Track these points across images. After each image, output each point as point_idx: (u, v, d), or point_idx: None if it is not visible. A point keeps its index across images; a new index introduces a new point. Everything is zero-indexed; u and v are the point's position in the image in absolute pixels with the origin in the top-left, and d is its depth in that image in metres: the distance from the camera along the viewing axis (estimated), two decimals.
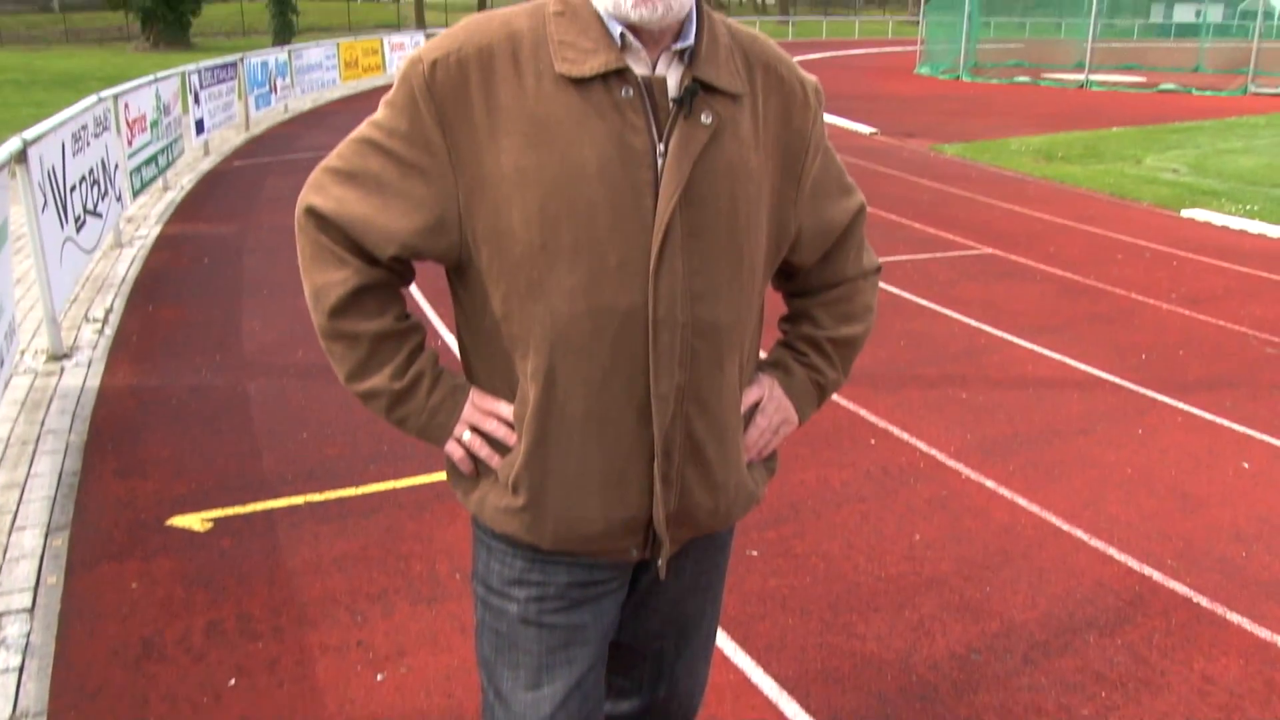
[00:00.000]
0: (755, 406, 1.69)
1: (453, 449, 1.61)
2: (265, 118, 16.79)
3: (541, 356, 1.50)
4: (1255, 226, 9.26)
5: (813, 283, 1.78)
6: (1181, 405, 5.04)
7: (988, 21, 32.21)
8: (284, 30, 37.16)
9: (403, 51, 26.00)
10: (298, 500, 4.02)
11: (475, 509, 1.64)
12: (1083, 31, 28.73)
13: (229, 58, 15.31)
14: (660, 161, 1.48)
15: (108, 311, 6.56)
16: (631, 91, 1.47)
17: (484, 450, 1.59)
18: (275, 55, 18.16)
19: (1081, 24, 30.39)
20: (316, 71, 20.46)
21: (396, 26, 45.23)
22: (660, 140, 1.48)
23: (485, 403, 1.60)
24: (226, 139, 14.55)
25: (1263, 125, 17.32)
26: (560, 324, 1.48)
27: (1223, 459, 4.46)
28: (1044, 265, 7.66)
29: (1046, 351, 5.73)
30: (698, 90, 1.49)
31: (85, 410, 4.98)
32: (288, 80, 18.34)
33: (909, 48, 36.20)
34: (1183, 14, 43.28)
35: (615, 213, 1.46)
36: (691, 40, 1.50)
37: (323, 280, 1.55)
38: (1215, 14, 37.17)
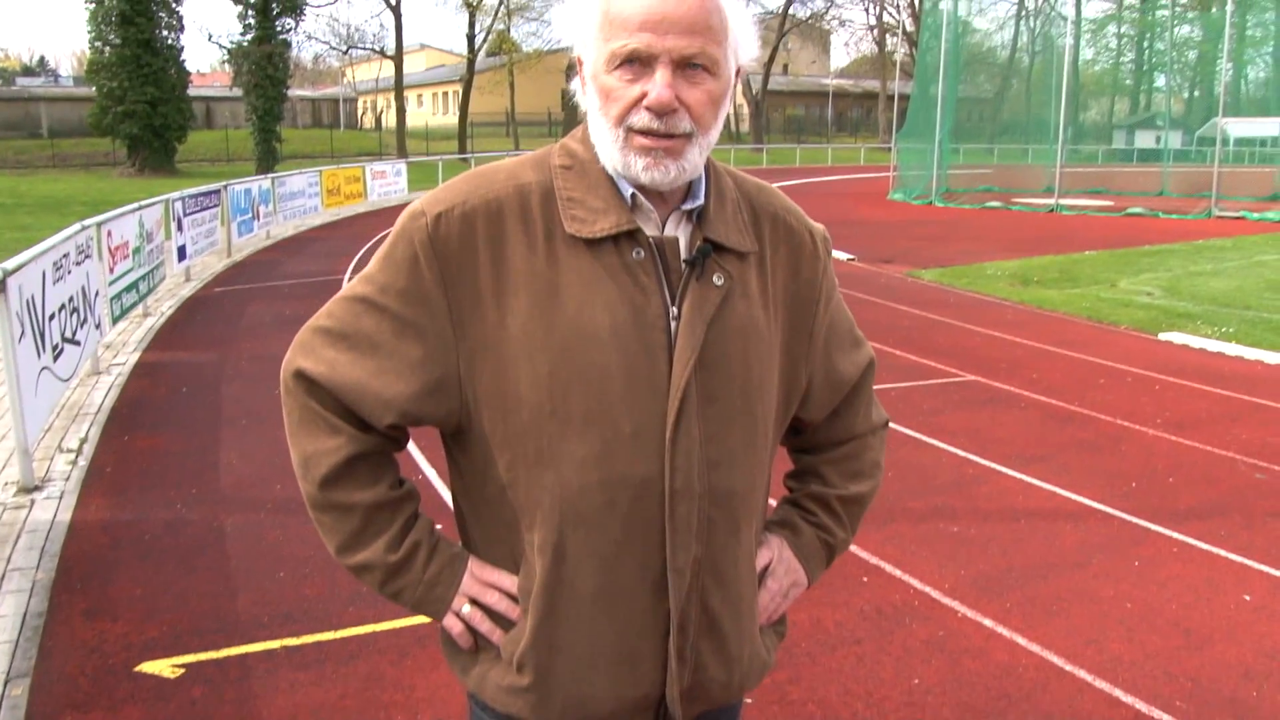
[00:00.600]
0: (765, 569, 1.62)
1: (451, 623, 1.52)
2: (247, 244, 16.90)
3: (550, 528, 1.43)
4: (1232, 349, 9.34)
5: (821, 439, 1.73)
6: (1176, 535, 4.97)
7: (957, 148, 33.09)
8: (267, 157, 37.76)
9: (384, 180, 26.41)
10: (273, 645, 3.86)
11: (475, 686, 1.54)
12: (1048, 156, 29.57)
13: (213, 185, 15.49)
14: (673, 325, 1.43)
15: (82, 441, 6.44)
16: (643, 253, 1.43)
17: (485, 625, 1.50)
18: (258, 183, 18.40)
19: (1047, 150, 31.26)
20: (299, 199, 20.72)
21: (378, 155, 46.02)
22: (673, 303, 1.44)
23: (486, 574, 1.51)
24: (208, 265, 14.60)
25: (1229, 248, 17.68)
26: (571, 495, 1.41)
27: (1223, 591, 4.38)
28: (1028, 392, 7.66)
29: (1036, 481, 5.67)
30: (710, 251, 1.46)
31: (55, 546, 4.83)
32: (270, 207, 18.54)
33: (881, 174, 37.08)
34: (1144, 140, 44.58)
35: (629, 378, 1.40)
36: (701, 199, 1.48)
37: (313, 449, 1.47)
38: (1175, 140, 38.33)
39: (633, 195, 1.44)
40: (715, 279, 1.46)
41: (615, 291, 1.41)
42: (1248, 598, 4.31)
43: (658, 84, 1.37)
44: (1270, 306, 11.58)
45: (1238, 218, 23.87)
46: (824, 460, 1.73)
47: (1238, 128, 33.72)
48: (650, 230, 1.45)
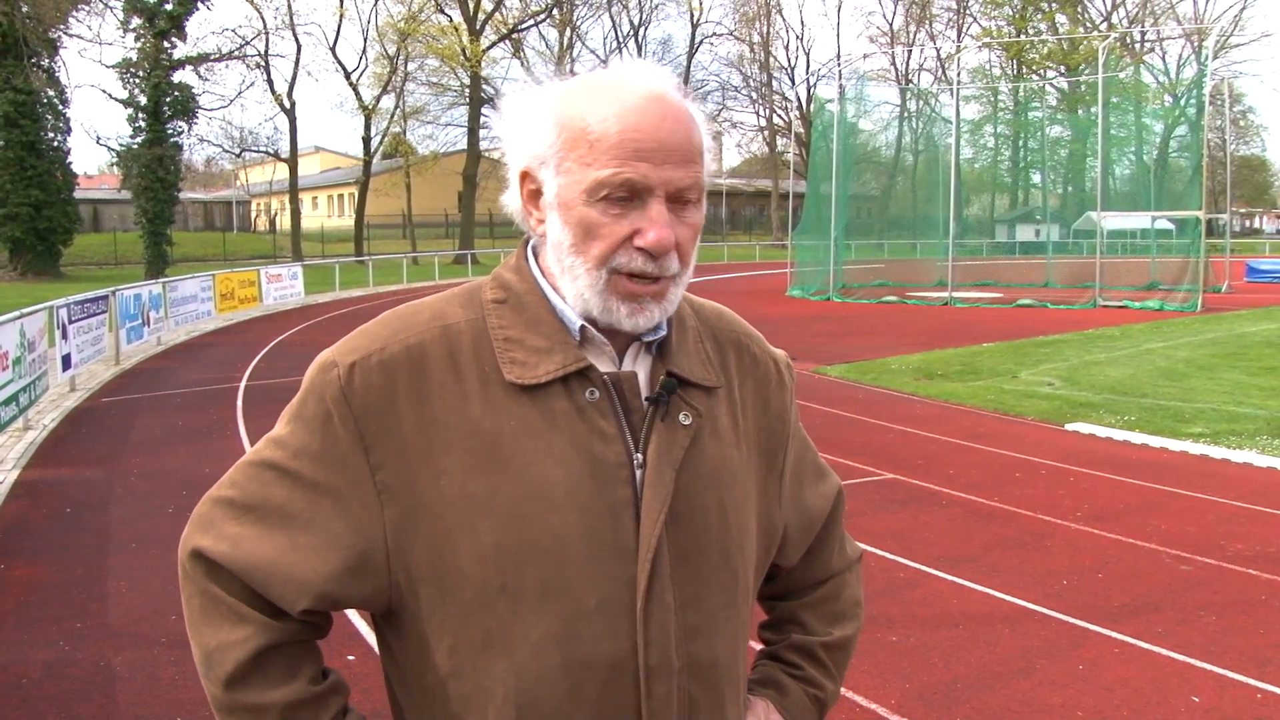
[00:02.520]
0: None
1: None
2: (137, 351, 16.27)
3: None
4: (1136, 438, 9.49)
5: (796, 582, 1.56)
6: (1115, 634, 4.88)
7: (850, 244, 33.91)
8: (158, 260, 36.83)
9: (280, 283, 25.89)
10: None
11: None
12: (935, 251, 30.52)
13: (100, 291, 14.92)
14: (638, 474, 1.24)
15: None
16: (597, 393, 1.25)
17: None
18: (149, 288, 17.86)
19: (935, 244, 32.23)
20: (192, 303, 20.15)
21: (273, 258, 45.30)
22: (637, 448, 1.25)
23: None
24: (95, 373, 13.96)
25: (1118, 336, 18.26)
26: (528, 684, 1.21)
27: (1170, 692, 4.27)
28: (947, 489, 7.61)
29: (968, 583, 5.56)
30: (675, 387, 1.28)
31: None
32: (161, 312, 17.94)
33: (777, 270, 37.72)
34: (1024, 233, 46.44)
35: (589, 542, 1.21)
36: (664, 330, 1.30)
37: (215, 642, 1.24)
38: (1053, 233, 39.98)
39: (581, 328, 1.26)
40: (682, 418, 1.28)
41: (567, 442, 1.22)
42: (1196, 699, 4.22)
43: (656, 222, 1.20)
44: (1165, 394, 11.88)
45: (1121, 306, 24.82)
46: (802, 605, 1.56)
47: (1110, 221, 35.33)
48: (604, 366, 1.27)
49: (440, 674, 1.24)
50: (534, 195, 1.28)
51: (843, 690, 4.21)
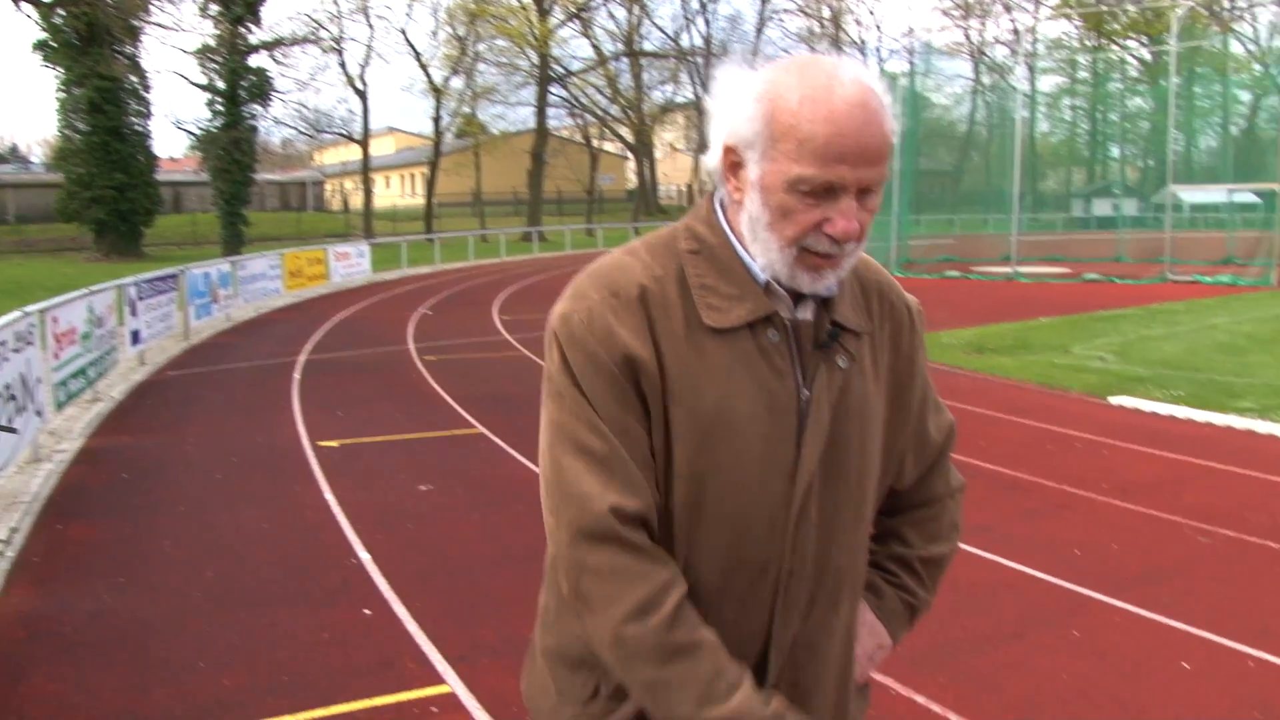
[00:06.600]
0: None
1: None
2: (205, 327, 16.80)
3: None
4: (1181, 411, 9.37)
5: (903, 502, 1.76)
6: (1117, 603, 4.91)
7: (918, 219, 33.51)
8: (234, 240, 37.73)
9: (347, 261, 26.43)
10: None
11: None
12: (1008, 226, 30.00)
13: (169, 270, 15.42)
14: (804, 407, 1.47)
15: (12, 531, 6.28)
16: (778, 336, 1.46)
17: None
18: (218, 266, 18.35)
19: (1006, 219, 31.72)
20: (260, 281, 20.68)
21: (345, 236, 46.13)
22: (804, 385, 1.47)
23: None
24: (164, 348, 14.47)
25: (1182, 311, 17.87)
26: (692, 581, 1.44)
27: (1160, 659, 4.32)
28: (976, 461, 7.61)
29: (978, 551, 5.62)
30: (838, 335, 1.49)
31: None
32: (230, 290, 18.46)
33: None
34: (1101, 208, 45.37)
35: (762, 465, 1.44)
36: (835, 289, 1.50)
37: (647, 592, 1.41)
38: (1130, 207, 39.03)
39: (767, 283, 1.46)
40: (840, 361, 1.50)
41: (751, 378, 1.44)
42: (1186, 666, 4.26)
43: (845, 214, 1.38)
44: (1220, 368, 11.67)
45: (1191, 281, 24.18)
46: (905, 522, 1.77)
47: (1190, 195, 34.45)
48: (783, 312, 1.47)
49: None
50: (734, 167, 1.46)
51: None
